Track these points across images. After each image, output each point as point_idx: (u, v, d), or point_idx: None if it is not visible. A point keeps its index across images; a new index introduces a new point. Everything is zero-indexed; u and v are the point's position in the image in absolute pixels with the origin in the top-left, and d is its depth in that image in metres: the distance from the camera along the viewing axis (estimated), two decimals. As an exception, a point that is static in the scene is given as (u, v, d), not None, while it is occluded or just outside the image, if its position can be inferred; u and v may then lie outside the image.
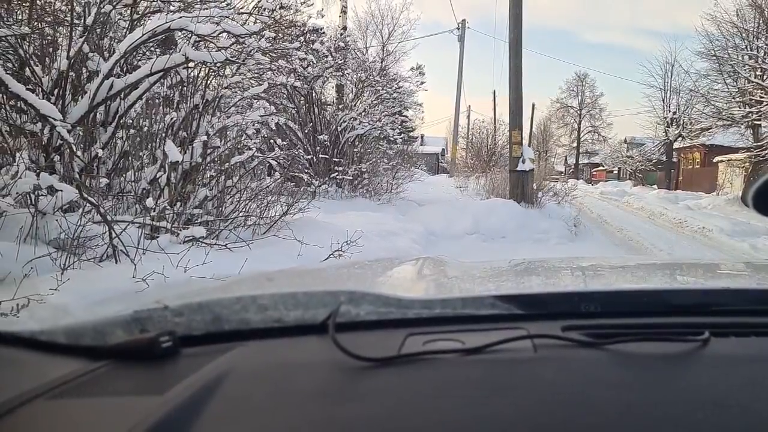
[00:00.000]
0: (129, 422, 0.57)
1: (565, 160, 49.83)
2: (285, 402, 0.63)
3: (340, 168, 9.69)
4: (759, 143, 15.99)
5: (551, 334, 0.74)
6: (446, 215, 8.84)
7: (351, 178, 10.06)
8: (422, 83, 20.64)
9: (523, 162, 9.12)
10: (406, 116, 13.01)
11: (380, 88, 10.19)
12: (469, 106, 38.10)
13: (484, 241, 7.78)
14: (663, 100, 25.45)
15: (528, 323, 0.81)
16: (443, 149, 41.77)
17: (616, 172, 40.33)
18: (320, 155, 9.57)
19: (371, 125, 9.87)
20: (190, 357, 0.75)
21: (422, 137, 41.52)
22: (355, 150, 10.46)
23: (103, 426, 0.61)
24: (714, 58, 16.27)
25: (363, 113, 10.29)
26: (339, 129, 9.90)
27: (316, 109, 9.81)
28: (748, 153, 16.85)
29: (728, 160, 22.42)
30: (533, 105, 43.43)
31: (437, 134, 43.10)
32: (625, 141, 37.96)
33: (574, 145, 44.20)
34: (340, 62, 9.16)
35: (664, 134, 25.58)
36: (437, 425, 0.58)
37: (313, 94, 9.92)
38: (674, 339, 0.75)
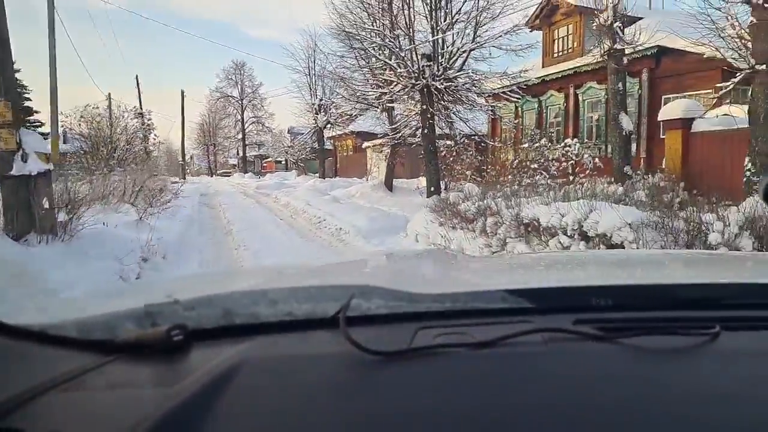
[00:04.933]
0: (140, 415, 0.57)
1: (237, 152, 46.93)
2: (296, 395, 0.63)
3: None
4: (394, 126, 15.59)
5: (562, 327, 0.74)
6: None
7: None
8: None
9: (24, 159, 4.98)
10: None
11: None
12: (109, 93, 31.36)
13: None
14: (310, 86, 24.51)
15: (539, 317, 0.80)
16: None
17: (284, 162, 39.45)
18: None
19: None
20: (201, 351, 0.73)
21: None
22: None
23: (115, 419, 0.60)
24: (344, 34, 15.12)
25: None
26: None
27: None
28: (386, 137, 16.48)
29: (373, 146, 22.75)
30: (183, 92, 39.01)
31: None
32: (289, 131, 37.11)
33: (240, 136, 41.48)
34: None
35: (314, 121, 24.71)
36: (448, 418, 0.57)
37: None
38: (685, 333, 0.74)
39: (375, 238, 8.36)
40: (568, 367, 0.66)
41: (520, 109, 17.78)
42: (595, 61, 11.83)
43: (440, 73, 13.58)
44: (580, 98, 15.59)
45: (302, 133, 32.28)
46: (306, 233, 9.59)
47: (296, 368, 0.68)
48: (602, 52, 9.53)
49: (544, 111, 17.09)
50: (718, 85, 7.77)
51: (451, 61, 13.81)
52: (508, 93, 14.15)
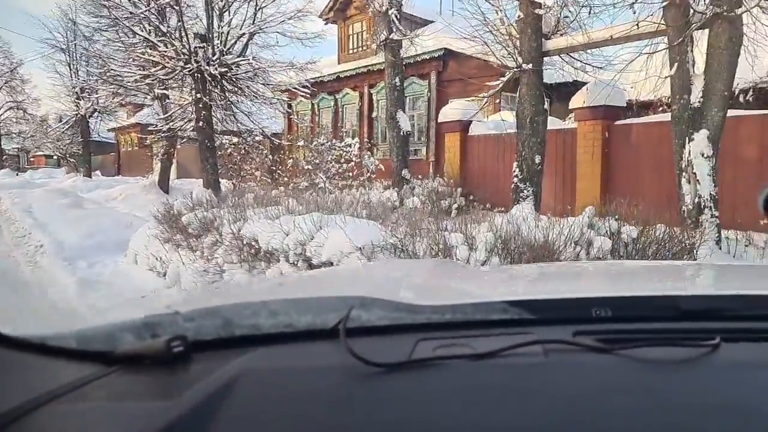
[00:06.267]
0: (140, 427, 0.57)
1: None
2: (296, 407, 0.63)
3: None
4: (165, 116, 13.12)
5: (562, 339, 0.74)
6: None
7: None
8: None
9: None
10: None
11: None
12: None
13: None
14: (70, 66, 20.19)
15: (539, 328, 0.80)
16: None
17: (56, 158, 33.03)
18: None
19: None
20: (201, 362, 0.74)
21: None
22: None
23: (115, 430, 0.60)
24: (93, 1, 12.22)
25: None
26: None
27: None
28: (158, 129, 13.88)
29: (151, 140, 19.66)
30: None
31: None
32: (61, 119, 30.99)
33: (-8, 123, 33.51)
34: None
35: (75, 108, 20.48)
36: (449, 430, 0.58)
37: None
38: (685, 344, 0.73)
39: (84, 260, 6.15)
40: (568, 378, 0.66)
41: (317, 106, 16.61)
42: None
43: (215, 57, 11.59)
44: (374, 98, 14.91)
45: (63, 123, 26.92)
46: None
47: (296, 380, 0.68)
48: (379, 42, 8.57)
49: (341, 110, 16.14)
50: (489, 83, 7.23)
51: (229, 45, 11.92)
52: (298, 87, 12.72)
